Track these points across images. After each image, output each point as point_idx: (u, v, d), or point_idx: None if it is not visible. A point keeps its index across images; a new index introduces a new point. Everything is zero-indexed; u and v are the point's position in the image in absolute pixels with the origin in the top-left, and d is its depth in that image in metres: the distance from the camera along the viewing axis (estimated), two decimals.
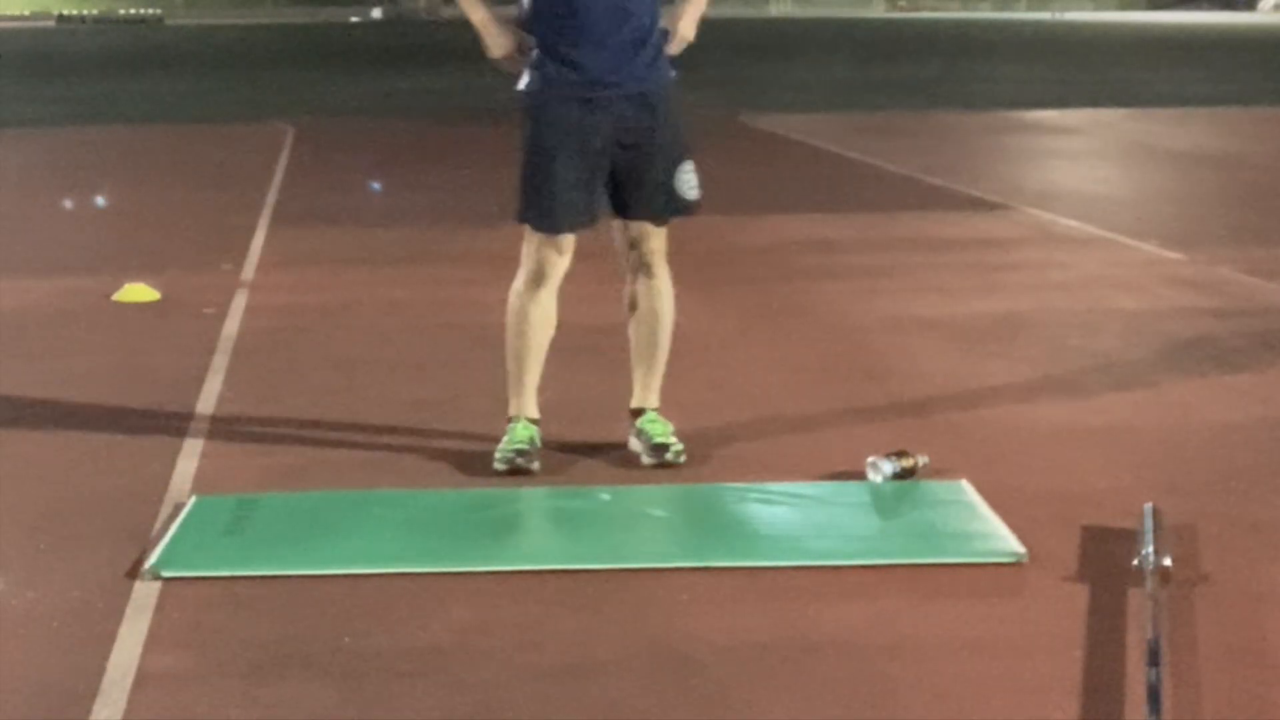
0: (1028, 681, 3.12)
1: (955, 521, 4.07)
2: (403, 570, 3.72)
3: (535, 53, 4.45)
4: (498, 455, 4.49)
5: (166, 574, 3.68)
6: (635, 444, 4.61)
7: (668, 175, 4.50)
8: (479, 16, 4.51)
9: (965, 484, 4.31)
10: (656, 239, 4.57)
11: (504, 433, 4.54)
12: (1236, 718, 2.95)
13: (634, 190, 4.50)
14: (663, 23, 4.51)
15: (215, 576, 3.69)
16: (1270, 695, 3.03)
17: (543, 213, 4.47)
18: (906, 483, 4.35)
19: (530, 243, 4.52)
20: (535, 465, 4.48)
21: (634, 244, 4.57)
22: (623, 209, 4.54)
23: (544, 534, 4.17)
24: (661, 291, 4.62)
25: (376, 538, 3.95)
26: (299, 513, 4.15)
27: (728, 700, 3.04)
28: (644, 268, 4.59)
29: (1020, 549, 3.79)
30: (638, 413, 4.65)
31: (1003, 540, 3.87)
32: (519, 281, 4.55)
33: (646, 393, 4.67)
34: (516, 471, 4.43)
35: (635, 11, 4.40)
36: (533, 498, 4.31)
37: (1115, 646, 3.25)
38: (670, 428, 4.60)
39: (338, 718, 2.99)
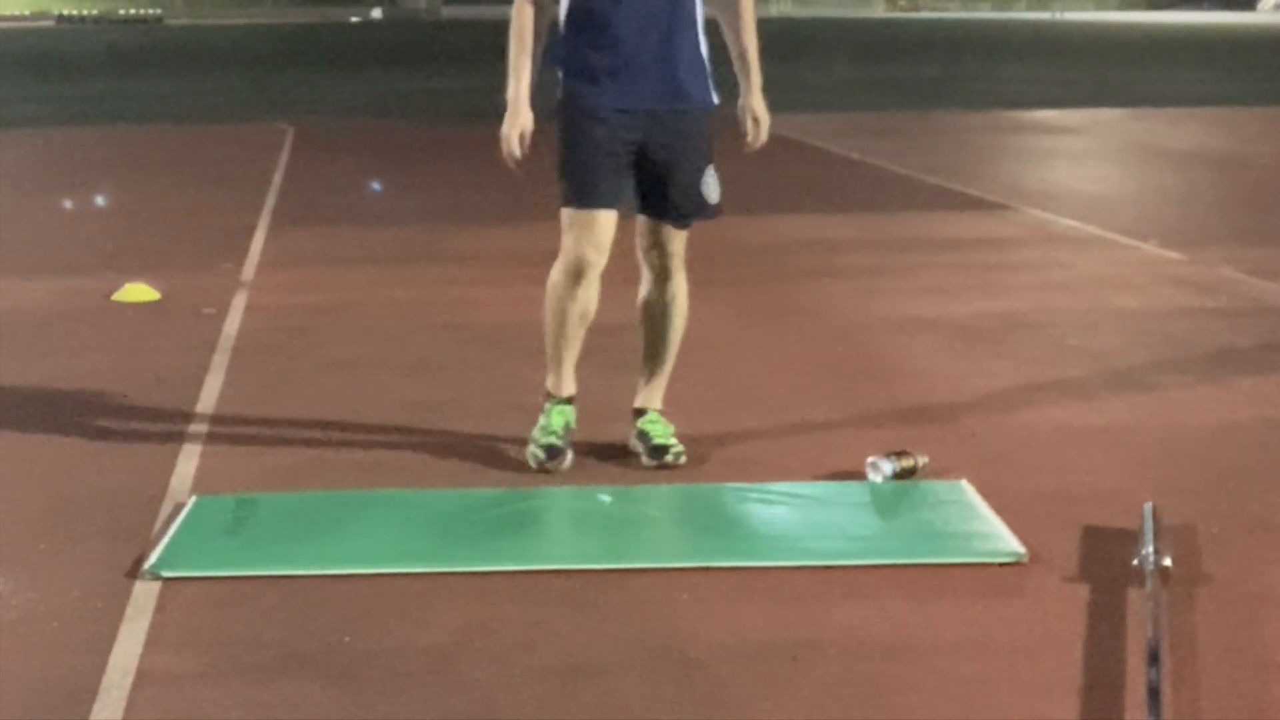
0: (1028, 681, 3.12)
1: (955, 521, 4.07)
2: (403, 570, 3.72)
3: (564, 70, 4.42)
4: (530, 449, 4.51)
5: (166, 574, 3.68)
6: (636, 444, 4.61)
7: (694, 179, 4.50)
8: (513, 89, 4.41)
9: (965, 484, 4.31)
10: (678, 243, 4.56)
11: (505, 432, 4.52)
12: (1236, 718, 2.95)
13: (660, 193, 4.49)
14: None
15: (215, 576, 3.69)
16: (1270, 695, 3.03)
17: (580, 190, 4.42)
18: (906, 483, 4.35)
19: (569, 236, 4.47)
20: (565, 464, 4.48)
21: (655, 246, 4.55)
22: (648, 209, 4.53)
23: (544, 534, 4.17)
24: (677, 296, 4.61)
25: (376, 538, 3.95)
26: (299, 513, 4.15)
27: (728, 700, 3.04)
28: (663, 271, 4.57)
29: (1020, 549, 3.79)
30: (640, 412, 4.65)
31: (1003, 540, 3.87)
32: (556, 273, 4.51)
33: (651, 394, 4.67)
34: (545, 472, 4.45)
35: (670, 31, 4.38)
36: (533, 498, 4.30)
37: (1115, 646, 3.25)
38: (671, 429, 4.60)
39: (338, 718, 2.99)
